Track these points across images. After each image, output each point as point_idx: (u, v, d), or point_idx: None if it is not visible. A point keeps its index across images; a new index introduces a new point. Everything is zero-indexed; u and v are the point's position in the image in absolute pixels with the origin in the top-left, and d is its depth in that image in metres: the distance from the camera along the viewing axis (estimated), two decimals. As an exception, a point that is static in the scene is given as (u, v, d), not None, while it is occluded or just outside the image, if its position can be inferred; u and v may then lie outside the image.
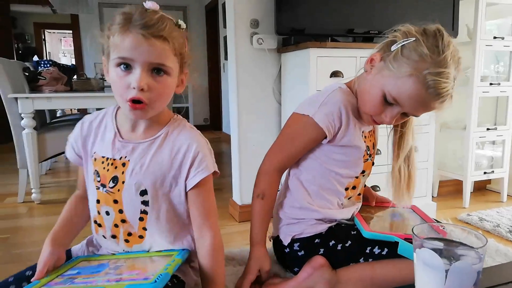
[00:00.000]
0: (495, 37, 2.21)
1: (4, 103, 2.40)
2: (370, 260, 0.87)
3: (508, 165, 2.39)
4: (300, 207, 0.96)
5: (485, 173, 2.35)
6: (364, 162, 0.95)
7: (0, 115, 2.95)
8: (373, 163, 1.01)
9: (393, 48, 0.82)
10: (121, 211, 0.80)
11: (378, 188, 1.84)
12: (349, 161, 0.94)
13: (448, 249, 0.53)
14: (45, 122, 3.22)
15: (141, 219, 0.80)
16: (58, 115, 3.77)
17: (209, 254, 0.81)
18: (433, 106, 0.81)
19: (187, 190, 0.81)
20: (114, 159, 0.80)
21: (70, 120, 3.15)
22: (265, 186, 0.93)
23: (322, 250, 0.91)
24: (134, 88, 0.71)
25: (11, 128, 2.45)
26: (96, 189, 0.81)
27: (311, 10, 1.84)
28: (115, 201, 0.79)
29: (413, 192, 0.97)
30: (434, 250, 0.52)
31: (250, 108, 2.07)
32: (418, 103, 0.81)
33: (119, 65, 0.72)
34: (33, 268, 0.79)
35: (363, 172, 0.96)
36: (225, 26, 4.43)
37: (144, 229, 0.81)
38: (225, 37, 4.45)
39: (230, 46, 2.07)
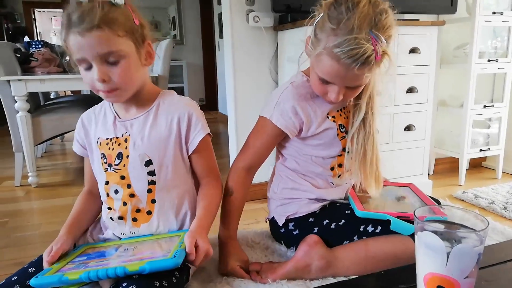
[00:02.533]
0: (494, 12, 2.18)
1: (-4, 86, 2.36)
2: (364, 238, 0.88)
3: (504, 142, 2.40)
4: (292, 188, 0.98)
5: (481, 150, 2.36)
6: (340, 140, 0.95)
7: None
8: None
9: (309, 30, 0.84)
10: (129, 186, 0.84)
11: (375, 167, 1.85)
12: (324, 143, 0.95)
13: (449, 232, 0.53)
14: (39, 104, 3.17)
15: (149, 190, 0.84)
16: (51, 97, 3.72)
17: (209, 194, 0.89)
18: (359, 72, 0.79)
19: (190, 153, 0.87)
20: (117, 137, 0.86)
21: (64, 102, 3.11)
22: (233, 183, 0.96)
23: (316, 229, 0.93)
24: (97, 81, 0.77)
25: (5, 112, 2.42)
26: (104, 171, 0.86)
27: (308, -13, 1.80)
28: (122, 177, 0.84)
29: (371, 170, 0.95)
30: (435, 232, 0.52)
31: (246, 87, 2.05)
32: (341, 76, 0.81)
33: (80, 64, 0.78)
34: (36, 264, 0.80)
35: (344, 149, 0.96)
36: (219, 3, 4.33)
37: (153, 201, 0.85)
38: (219, 14, 4.36)
39: (226, 24, 2.03)
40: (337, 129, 0.94)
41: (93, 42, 0.72)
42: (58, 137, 3.78)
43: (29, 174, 2.48)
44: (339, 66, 0.79)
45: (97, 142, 0.88)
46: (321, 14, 0.82)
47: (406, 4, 1.93)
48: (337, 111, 0.96)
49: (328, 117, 0.94)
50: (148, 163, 0.84)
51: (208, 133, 0.89)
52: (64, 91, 4.88)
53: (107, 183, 0.86)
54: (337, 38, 0.77)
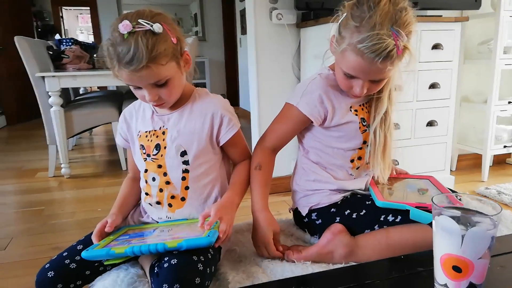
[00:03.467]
0: (520, 8, 2.16)
1: (31, 82, 2.49)
2: (384, 227, 0.92)
3: (529, 139, 2.37)
4: (314, 180, 1.03)
5: (505, 146, 2.34)
6: (362, 133, 1.00)
7: (28, 93, 3.06)
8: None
9: (333, 29, 0.90)
10: (165, 174, 0.92)
11: (396, 162, 1.88)
12: (346, 135, 1.00)
13: (465, 216, 0.57)
14: (70, 99, 3.32)
15: (183, 178, 0.92)
16: (81, 92, 3.87)
17: (241, 171, 0.99)
18: (382, 66, 0.84)
19: (221, 144, 0.96)
20: (155, 130, 0.93)
21: (94, 98, 3.24)
22: (260, 159, 1.01)
23: (338, 218, 0.98)
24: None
25: (40, 106, 2.55)
26: (144, 160, 0.94)
27: (331, -16, 1.83)
28: (159, 166, 0.92)
29: (388, 161, 1.01)
30: (452, 217, 0.56)
31: (269, 84, 2.10)
32: (365, 70, 0.86)
33: (130, 85, 0.85)
34: (83, 242, 0.88)
35: (365, 142, 1.01)
36: (241, 0, 4.38)
37: (187, 188, 0.92)
38: (241, 11, 4.40)
39: (249, 21, 2.08)
40: (359, 123, 0.99)
41: (142, 77, 0.80)
42: (87, 131, 3.94)
43: (62, 165, 2.61)
44: (363, 61, 0.84)
45: (138, 135, 0.96)
46: (345, 14, 0.88)
47: (430, 0, 1.93)
48: (360, 105, 1.00)
49: (351, 110, 0.99)
50: (183, 153, 0.91)
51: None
52: (90, 87, 5.05)
53: (146, 171, 0.94)
54: (360, 35, 0.83)
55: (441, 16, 1.96)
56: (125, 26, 0.76)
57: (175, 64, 0.84)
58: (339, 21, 0.89)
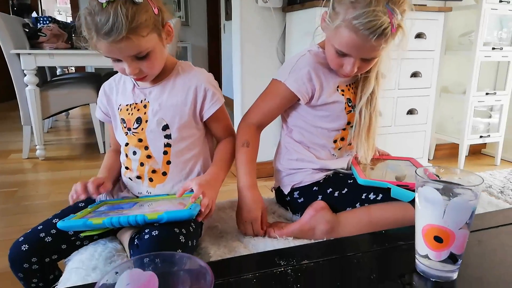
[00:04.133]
0: (501, 1, 2.20)
1: (6, 60, 2.39)
2: (366, 205, 0.93)
3: (504, 130, 2.44)
4: (296, 159, 1.03)
5: (481, 137, 2.40)
6: (347, 113, 1.00)
7: (2, 72, 2.94)
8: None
9: (326, 5, 0.89)
10: (146, 148, 0.90)
11: (377, 148, 1.90)
12: (332, 115, 0.99)
13: (447, 187, 0.57)
14: (46, 80, 3.21)
15: (165, 152, 0.90)
16: (58, 73, 3.75)
17: (225, 149, 0.97)
18: (376, 44, 0.83)
19: (204, 120, 0.93)
20: (136, 103, 0.91)
21: (71, 78, 3.14)
22: (247, 136, 0.99)
23: (320, 197, 0.98)
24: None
25: (14, 85, 2.45)
26: (125, 134, 0.91)
27: (317, -32, 1.81)
28: (140, 140, 0.90)
29: (372, 142, 1.02)
30: (435, 188, 0.57)
31: (253, 68, 2.08)
32: (358, 48, 0.85)
33: (109, 58, 0.82)
34: (59, 216, 0.85)
35: (349, 123, 1.01)
36: (226, -15, 4.32)
37: (168, 163, 0.90)
38: (226, -3, 4.35)
39: (235, 4, 2.05)
40: (345, 103, 0.99)
41: (122, 48, 0.77)
42: (63, 114, 3.84)
43: (37, 147, 2.53)
44: (357, 38, 0.83)
45: (118, 109, 0.93)
46: None
47: (414, -12, 1.95)
48: (346, 85, 1.00)
49: (337, 90, 0.99)
50: (165, 127, 0.89)
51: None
52: (68, 69, 4.91)
53: (126, 145, 0.91)
54: (355, 11, 0.81)
55: (425, 5, 1.98)
56: None
57: (156, 35, 0.81)
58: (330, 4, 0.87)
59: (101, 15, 0.74)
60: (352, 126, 1.02)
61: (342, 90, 0.99)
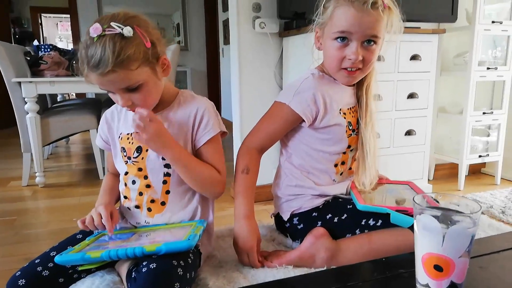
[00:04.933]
0: (493, 22, 2.24)
1: (7, 88, 2.41)
2: (366, 231, 0.93)
3: (503, 149, 2.44)
4: (295, 185, 1.03)
5: (480, 156, 2.40)
6: (348, 137, 1.01)
7: (3, 99, 2.97)
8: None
9: (317, 12, 0.96)
10: (146, 177, 0.90)
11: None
12: (333, 138, 1.00)
13: (446, 215, 0.57)
14: (47, 107, 3.24)
15: (164, 182, 0.90)
16: (58, 100, 3.79)
17: (211, 169, 0.90)
18: (373, 15, 0.89)
19: (196, 148, 0.92)
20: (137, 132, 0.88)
21: (71, 105, 3.17)
22: (248, 162, 0.99)
23: (319, 222, 0.97)
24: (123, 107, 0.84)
25: (15, 112, 2.47)
26: (125, 163, 0.91)
27: (312, -5, 1.86)
28: (140, 169, 0.90)
29: (376, 164, 1.04)
30: (433, 216, 0.56)
31: (251, 92, 2.10)
32: (357, 20, 0.89)
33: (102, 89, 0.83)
34: (56, 249, 0.84)
35: (349, 147, 1.01)
36: (224, 10, 4.41)
37: (167, 192, 0.90)
38: (224, 21, 4.44)
39: (232, 29, 2.09)
40: (346, 126, 1.00)
41: (111, 81, 0.78)
42: (64, 140, 3.85)
43: (37, 174, 2.53)
44: (354, 10, 0.88)
45: (119, 137, 0.94)
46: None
47: (408, 12, 1.98)
48: (348, 109, 1.02)
49: (340, 113, 1.00)
50: None
51: (223, 132, 0.94)
52: (68, 95, 4.96)
53: (126, 173, 0.92)
54: None
55: (419, 28, 2.02)
56: (94, 29, 0.75)
57: (148, 69, 0.81)
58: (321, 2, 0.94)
59: (91, 49, 0.76)
60: (352, 150, 1.02)
61: (344, 113, 1.00)
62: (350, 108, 1.02)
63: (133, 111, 0.85)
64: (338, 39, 0.92)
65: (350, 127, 1.00)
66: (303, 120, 0.97)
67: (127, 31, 0.76)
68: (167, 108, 0.91)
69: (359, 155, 1.02)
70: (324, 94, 0.97)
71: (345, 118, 1.00)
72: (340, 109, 1.00)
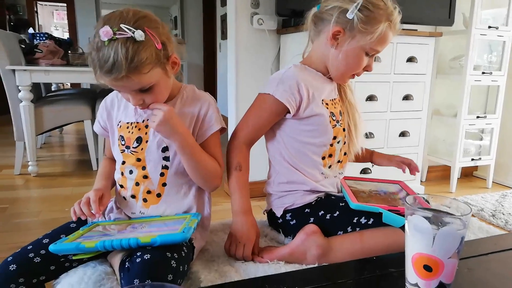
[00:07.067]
0: (489, 27, 2.26)
1: (1, 75, 2.39)
2: (357, 229, 0.94)
3: (495, 153, 2.47)
4: (287, 181, 1.04)
5: (472, 159, 2.43)
6: (332, 127, 1.02)
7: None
8: (344, 129, 1.06)
9: (349, 15, 0.94)
10: (143, 168, 0.90)
11: (369, 170, 1.91)
12: (318, 129, 1.01)
13: (436, 216, 0.58)
14: (41, 96, 3.21)
15: (162, 174, 0.90)
16: (53, 89, 3.76)
17: (215, 162, 0.92)
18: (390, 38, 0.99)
19: (199, 143, 0.92)
20: (138, 122, 0.91)
21: (66, 95, 3.15)
22: (239, 159, 1.00)
23: (312, 219, 0.98)
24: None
25: (8, 101, 2.45)
26: (121, 152, 0.91)
27: (312, -7, 1.86)
28: (138, 159, 0.90)
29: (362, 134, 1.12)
30: (424, 217, 0.57)
31: (248, 88, 2.10)
32: (388, 42, 0.98)
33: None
34: (50, 236, 0.84)
35: (335, 138, 1.02)
36: (222, 5, 4.39)
37: (164, 184, 0.90)
38: (222, 16, 4.41)
39: (230, 25, 2.08)
40: (329, 116, 1.01)
41: (124, 85, 0.78)
42: (57, 130, 3.82)
43: (29, 163, 2.51)
44: (392, 34, 0.97)
45: (118, 125, 0.93)
46: (358, 1, 0.93)
47: (405, 14, 1.99)
48: (330, 100, 1.04)
49: (322, 103, 1.01)
50: (165, 149, 0.89)
51: (222, 128, 0.94)
52: (63, 84, 4.92)
53: (123, 163, 0.91)
54: (392, 11, 0.95)
55: (416, 30, 2.03)
56: (105, 33, 0.73)
57: (160, 69, 0.81)
58: (354, 9, 0.93)
59: (103, 53, 0.74)
60: (339, 142, 1.04)
61: (326, 104, 1.01)
62: (332, 99, 1.04)
63: (143, 109, 0.86)
64: (370, 54, 0.98)
65: (334, 118, 1.02)
66: (288, 112, 0.98)
67: (139, 35, 0.74)
68: (170, 102, 0.91)
69: (346, 130, 1.08)
70: (307, 84, 0.99)
71: (327, 108, 1.01)
72: (323, 100, 1.01)
